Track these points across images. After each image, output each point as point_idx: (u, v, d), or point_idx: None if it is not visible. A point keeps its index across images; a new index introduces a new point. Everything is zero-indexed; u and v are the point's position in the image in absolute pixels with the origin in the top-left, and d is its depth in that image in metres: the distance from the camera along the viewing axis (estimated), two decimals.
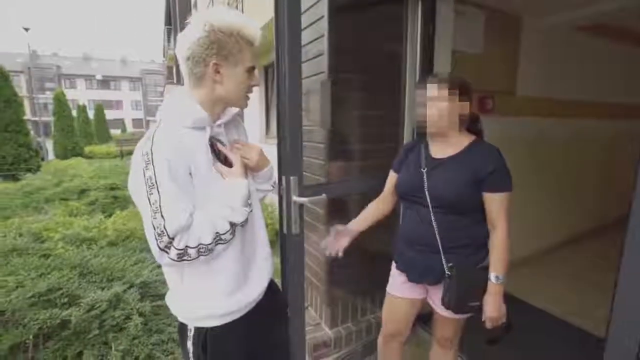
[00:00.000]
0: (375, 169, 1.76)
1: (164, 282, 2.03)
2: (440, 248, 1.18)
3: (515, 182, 1.16)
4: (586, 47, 3.03)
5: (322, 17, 1.63)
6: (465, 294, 1.18)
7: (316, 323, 1.97)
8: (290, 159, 1.19)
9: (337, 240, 1.35)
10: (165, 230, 0.78)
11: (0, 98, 8.76)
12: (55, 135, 14.81)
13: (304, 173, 1.34)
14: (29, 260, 2.13)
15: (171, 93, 0.95)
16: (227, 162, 0.94)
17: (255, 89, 0.98)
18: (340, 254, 1.35)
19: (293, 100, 1.17)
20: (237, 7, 4.67)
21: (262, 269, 1.05)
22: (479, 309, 1.18)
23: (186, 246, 0.81)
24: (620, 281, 0.82)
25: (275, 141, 1.25)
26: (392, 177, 1.38)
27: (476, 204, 1.17)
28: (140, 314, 1.80)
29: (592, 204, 3.52)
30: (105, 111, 23.85)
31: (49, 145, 15.50)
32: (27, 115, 11.99)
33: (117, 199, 4.36)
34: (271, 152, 1.16)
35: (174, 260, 0.81)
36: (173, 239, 0.79)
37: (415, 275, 1.28)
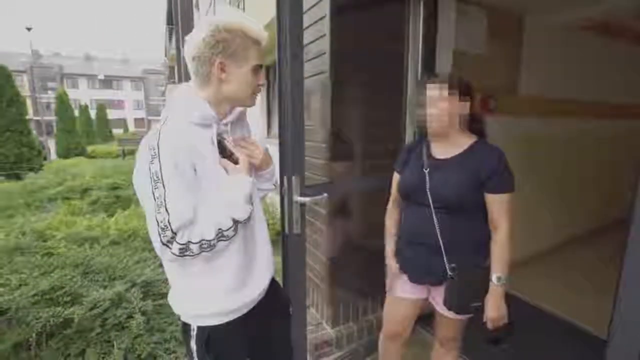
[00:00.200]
0: (376, 168, 1.77)
1: (165, 281, 2.04)
2: (442, 248, 1.18)
3: (516, 182, 1.16)
4: (588, 46, 3.02)
5: (324, 16, 1.64)
6: (467, 294, 1.18)
7: (318, 322, 1.97)
8: (292, 159, 1.20)
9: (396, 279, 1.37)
10: (169, 224, 0.79)
11: (3, 98, 8.81)
12: (58, 135, 14.88)
13: (306, 173, 1.34)
14: (31, 259, 2.14)
15: (177, 90, 0.96)
16: (231, 159, 0.94)
17: None
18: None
19: (295, 100, 1.18)
20: (238, 6, 4.67)
21: (264, 268, 1.05)
22: (481, 309, 1.18)
23: (188, 241, 0.81)
24: (621, 282, 0.82)
25: (276, 141, 1.25)
26: (396, 178, 1.38)
27: (478, 204, 1.17)
28: (142, 313, 1.81)
29: (594, 204, 3.51)
30: (107, 111, 23.97)
31: (51, 144, 15.56)
32: (30, 115, 12.03)
33: (119, 198, 4.37)
34: (272, 151, 1.16)
35: (176, 255, 0.81)
36: (176, 233, 0.80)
37: (416, 275, 1.28)
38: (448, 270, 1.18)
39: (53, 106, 16.79)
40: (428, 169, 1.22)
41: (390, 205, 1.44)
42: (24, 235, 2.58)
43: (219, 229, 0.85)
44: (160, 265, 2.16)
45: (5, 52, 35.42)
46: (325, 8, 1.63)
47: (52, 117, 17.07)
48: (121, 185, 4.77)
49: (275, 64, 1.22)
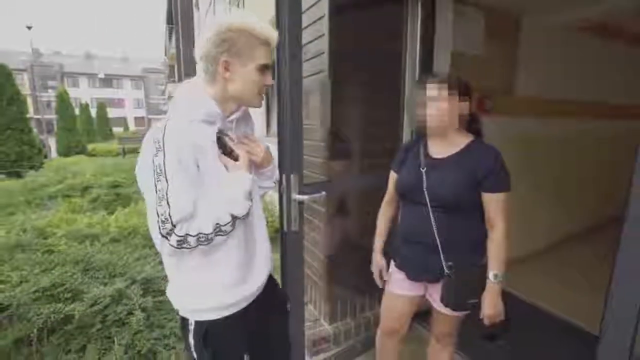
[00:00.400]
0: (374, 167, 1.78)
1: (165, 278, 2.05)
2: (439, 246, 1.19)
3: (513, 182, 1.17)
4: (584, 47, 3.04)
5: (323, 16, 1.65)
6: (464, 292, 1.19)
7: (315, 319, 1.99)
8: (290, 157, 1.20)
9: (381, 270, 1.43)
10: (170, 217, 0.80)
11: (4, 96, 8.82)
12: (58, 133, 14.89)
13: (304, 171, 1.35)
14: (32, 256, 2.16)
15: (183, 86, 0.97)
16: (232, 156, 0.96)
17: None
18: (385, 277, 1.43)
19: (293, 99, 1.19)
20: (238, 6, 4.67)
21: (262, 264, 1.06)
22: (477, 307, 1.20)
23: (186, 234, 0.82)
24: (614, 278, 0.84)
25: (275, 139, 1.27)
26: (393, 178, 1.39)
27: (475, 203, 1.18)
28: (143, 309, 1.83)
29: (589, 202, 3.53)
30: (108, 109, 23.96)
31: (52, 143, 15.58)
32: (30, 113, 12.04)
33: (119, 196, 4.39)
34: (272, 150, 1.18)
35: (173, 247, 0.82)
36: (175, 226, 0.81)
37: (414, 273, 1.30)
38: (445, 268, 1.20)
39: (53, 105, 16.78)
40: (425, 168, 1.23)
41: (384, 204, 1.45)
42: (24, 233, 2.59)
43: (217, 223, 0.86)
44: (160, 263, 2.18)
45: (5, 50, 35.40)
46: (324, 8, 1.64)
47: (53, 116, 17.09)
48: (121, 183, 4.79)
49: (274, 63, 1.23)
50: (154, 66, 44.10)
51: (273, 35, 0.93)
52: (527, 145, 2.70)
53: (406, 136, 1.86)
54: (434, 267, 1.22)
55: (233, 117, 0.97)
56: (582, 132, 3.22)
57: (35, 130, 10.64)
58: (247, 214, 0.94)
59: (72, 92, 21.95)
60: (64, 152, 14.22)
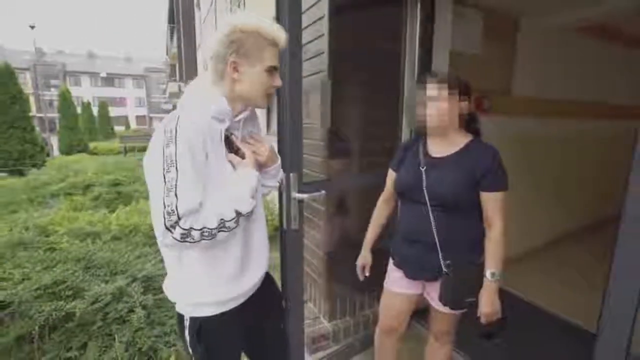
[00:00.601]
0: (373, 166, 1.79)
1: (166, 276, 2.07)
2: (438, 245, 1.20)
3: (510, 181, 1.17)
4: (581, 48, 3.04)
5: (323, 16, 1.65)
6: (462, 290, 1.20)
7: (315, 317, 2.00)
8: (290, 156, 1.21)
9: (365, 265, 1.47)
10: (176, 209, 0.79)
11: (7, 95, 8.87)
12: (60, 132, 14.95)
13: (304, 170, 1.36)
14: (34, 253, 2.17)
15: (195, 82, 0.98)
16: (238, 155, 0.96)
17: None
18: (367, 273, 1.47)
19: (293, 98, 1.19)
20: (239, 6, 4.68)
21: (259, 261, 1.06)
22: (475, 305, 1.20)
23: (191, 227, 0.82)
24: (611, 276, 0.84)
25: (275, 138, 1.27)
26: (391, 176, 1.40)
27: (473, 202, 1.19)
28: (143, 307, 1.84)
29: (587, 201, 3.54)
30: (109, 108, 24.01)
31: (54, 141, 15.63)
32: (33, 112, 12.09)
33: (120, 194, 4.40)
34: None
35: (176, 240, 0.81)
36: (180, 219, 0.80)
37: (412, 272, 1.30)
38: (443, 267, 1.20)
39: (56, 103, 16.83)
40: (425, 167, 1.24)
41: (380, 201, 1.46)
42: (27, 231, 2.60)
43: (222, 219, 0.86)
44: (161, 261, 2.19)
45: (8, 49, 35.52)
46: (323, 8, 1.65)
47: (55, 114, 17.13)
48: (123, 182, 4.80)
49: None
50: (156, 65, 44.18)
51: (282, 36, 0.93)
52: (524, 145, 2.71)
53: (405, 135, 1.86)
54: (432, 265, 1.22)
55: (241, 116, 0.98)
56: (578, 132, 3.23)
57: (37, 128, 10.71)
58: (251, 212, 0.94)
59: (74, 91, 22.05)
60: (66, 150, 14.28)
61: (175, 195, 0.80)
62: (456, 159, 1.21)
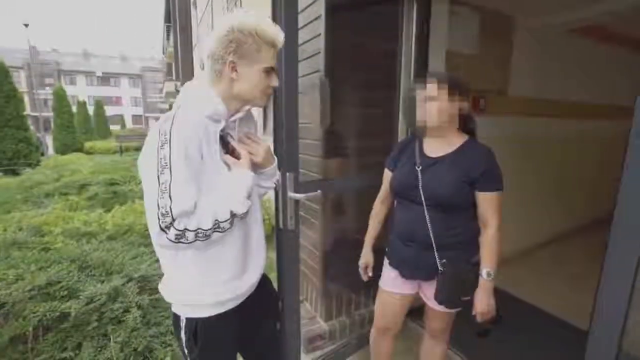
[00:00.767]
0: (369, 166, 1.79)
1: (161, 276, 2.06)
2: (434, 245, 1.21)
3: (506, 181, 1.18)
4: (577, 48, 3.07)
5: (319, 16, 1.65)
6: (458, 289, 1.21)
7: (311, 316, 2.00)
8: (286, 156, 1.21)
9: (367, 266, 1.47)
10: (170, 211, 0.79)
11: (1, 94, 8.78)
12: (55, 131, 14.83)
13: (300, 170, 1.36)
14: (28, 253, 2.15)
15: (192, 84, 0.98)
16: (234, 155, 0.96)
17: None
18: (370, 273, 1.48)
19: (290, 98, 1.19)
20: (235, 5, 4.67)
21: (256, 262, 1.06)
22: (470, 303, 1.21)
23: (185, 228, 0.82)
24: (603, 275, 0.85)
25: (272, 138, 1.27)
26: (387, 176, 1.40)
27: (468, 202, 1.20)
28: (139, 307, 1.83)
29: (583, 201, 3.58)
30: (105, 107, 23.83)
31: (48, 140, 15.51)
32: (27, 111, 11.99)
33: (116, 194, 4.37)
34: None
35: (171, 241, 0.82)
36: (175, 220, 0.80)
37: (407, 272, 1.31)
38: (439, 266, 1.21)
39: (50, 102, 16.70)
40: (420, 167, 1.24)
41: (377, 201, 1.47)
42: (21, 231, 2.59)
43: (216, 220, 0.86)
44: (156, 260, 2.18)
45: (2, 48, 35.13)
46: (320, 8, 1.65)
47: (50, 114, 16.98)
48: (118, 181, 4.77)
49: None
50: (152, 65, 43.96)
51: (280, 37, 0.93)
52: (521, 144, 2.73)
53: (402, 135, 1.87)
54: (427, 265, 1.23)
55: (236, 117, 0.98)
56: (575, 131, 3.26)
57: (32, 127, 10.61)
58: (246, 213, 0.94)
59: (70, 90, 21.87)
60: (61, 149, 14.16)
61: (169, 197, 0.79)
62: (452, 158, 1.21)
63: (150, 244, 0.85)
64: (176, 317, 1.00)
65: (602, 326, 0.87)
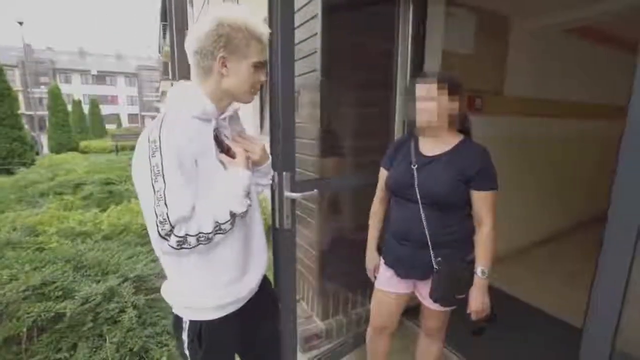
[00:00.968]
0: (366, 165, 1.79)
1: (158, 276, 2.05)
2: (429, 243, 1.21)
3: (501, 180, 1.19)
4: (573, 49, 3.09)
5: (316, 15, 1.65)
6: (453, 287, 1.21)
7: (308, 316, 2.01)
8: (283, 155, 1.21)
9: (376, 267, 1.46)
10: (168, 218, 0.79)
11: None
12: (50, 130, 14.71)
13: (297, 169, 1.36)
14: (23, 253, 2.13)
15: (178, 85, 0.96)
16: (229, 154, 0.95)
17: None
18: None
19: (286, 97, 1.19)
20: (232, 2, 4.65)
21: (258, 263, 1.06)
22: (465, 301, 1.22)
23: (186, 234, 0.81)
24: (597, 274, 0.86)
25: (268, 137, 1.27)
26: (383, 174, 1.41)
27: (464, 200, 1.20)
28: (135, 307, 1.82)
29: (579, 200, 3.61)
30: (101, 106, 23.66)
31: (43, 139, 15.39)
32: (22, 110, 11.89)
33: (112, 193, 4.33)
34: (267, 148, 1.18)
35: (173, 247, 0.81)
36: (174, 227, 0.80)
37: (402, 271, 1.32)
38: (434, 264, 1.22)
39: (45, 101, 16.57)
40: (416, 166, 1.25)
41: (375, 201, 1.47)
42: (15, 231, 2.56)
43: (217, 222, 0.86)
44: (153, 260, 2.17)
45: None
46: (316, 7, 1.65)
47: (45, 112, 16.85)
48: (114, 181, 4.73)
49: (267, 61, 1.23)
50: (148, 63, 43.71)
51: (266, 32, 0.92)
52: (517, 144, 2.75)
53: (398, 134, 1.87)
54: (423, 263, 1.24)
55: (226, 114, 0.96)
56: (569, 131, 3.28)
57: (26, 126, 10.52)
58: (246, 212, 0.93)
59: (65, 89, 21.68)
60: (56, 148, 14.05)
61: (165, 204, 0.79)
62: (448, 157, 1.22)
63: (146, 244, 0.85)
64: (178, 319, 0.99)
65: (596, 324, 0.88)
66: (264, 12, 1.21)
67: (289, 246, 1.31)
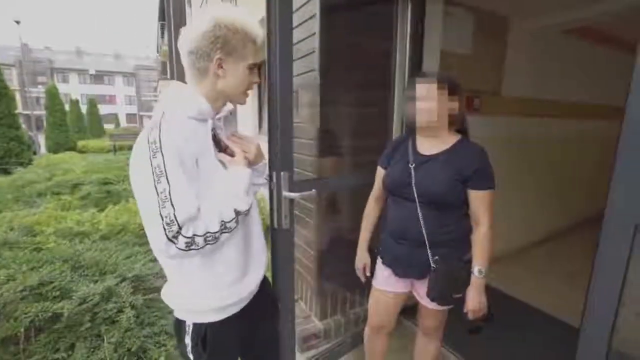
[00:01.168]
0: (364, 165, 1.79)
1: (156, 276, 2.05)
2: (426, 242, 1.22)
3: (499, 180, 1.19)
4: (571, 49, 3.10)
5: (314, 15, 1.65)
6: (450, 286, 1.22)
7: (306, 315, 2.01)
8: (281, 155, 1.21)
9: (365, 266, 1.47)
10: (176, 218, 0.77)
11: None
12: (48, 130, 14.65)
13: (295, 169, 1.36)
14: (20, 253, 2.13)
15: (172, 85, 0.95)
16: (227, 153, 0.95)
17: None
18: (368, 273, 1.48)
19: (284, 97, 1.19)
20: (230, 2, 4.64)
21: (258, 263, 1.05)
22: (462, 301, 1.22)
23: (194, 234, 0.80)
24: (594, 274, 0.86)
25: (267, 137, 1.27)
26: (380, 173, 1.41)
27: (461, 200, 1.21)
28: (133, 307, 1.81)
29: (579, 200, 3.62)
30: (99, 106, 23.59)
31: (41, 139, 15.33)
32: (19, 109, 11.84)
33: (109, 193, 4.32)
34: (263, 147, 1.18)
35: (182, 249, 0.79)
36: (182, 227, 0.78)
37: (400, 270, 1.32)
38: (432, 263, 1.22)
39: (43, 101, 16.50)
40: (414, 165, 1.25)
41: (371, 200, 1.47)
42: (12, 231, 2.55)
43: (222, 220, 0.85)
44: (151, 260, 2.17)
45: None
46: (315, 7, 1.65)
47: (43, 112, 16.77)
48: (112, 181, 4.72)
49: (265, 62, 1.23)
50: (146, 63, 43.60)
51: (261, 33, 0.93)
52: (515, 144, 2.75)
53: (396, 134, 1.87)
54: (420, 262, 1.24)
55: (221, 114, 0.97)
56: (567, 132, 3.29)
57: (24, 126, 10.48)
58: (248, 211, 0.93)
59: (62, 88, 21.60)
60: (54, 148, 13.99)
61: (172, 204, 0.77)
62: (445, 157, 1.22)
63: (144, 244, 0.84)
64: (179, 323, 0.98)
65: (593, 323, 0.88)
66: (261, 13, 1.21)
67: (287, 246, 1.31)
